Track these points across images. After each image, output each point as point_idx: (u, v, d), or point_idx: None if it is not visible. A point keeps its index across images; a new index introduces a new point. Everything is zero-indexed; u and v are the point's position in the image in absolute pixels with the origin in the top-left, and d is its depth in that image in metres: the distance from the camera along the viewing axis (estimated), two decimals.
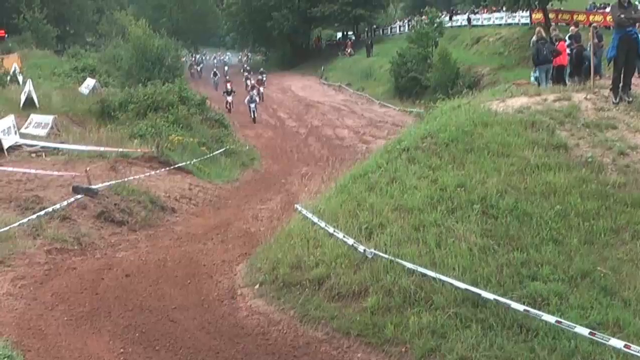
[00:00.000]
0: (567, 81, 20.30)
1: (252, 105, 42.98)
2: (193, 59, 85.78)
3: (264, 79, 58.17)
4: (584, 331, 8.45)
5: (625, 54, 14.78)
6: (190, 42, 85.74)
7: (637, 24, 15.24)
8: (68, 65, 48.57)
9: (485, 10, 54.16)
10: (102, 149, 23.12)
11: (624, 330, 8.79)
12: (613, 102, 14.77)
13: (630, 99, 14.73)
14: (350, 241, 11.92)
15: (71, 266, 14.45)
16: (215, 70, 66.00)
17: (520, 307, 9.24)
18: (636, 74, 16.88)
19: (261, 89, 52.75)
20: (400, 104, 43.35)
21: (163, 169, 23.09)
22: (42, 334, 11.07)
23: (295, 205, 15.76)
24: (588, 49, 19.51)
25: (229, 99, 46.83)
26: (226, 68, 73.93)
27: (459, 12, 62.63)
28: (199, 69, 74.85)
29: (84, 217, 17.14)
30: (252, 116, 42.90)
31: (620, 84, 14.84)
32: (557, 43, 20.88)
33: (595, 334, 8.36)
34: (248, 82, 55.37)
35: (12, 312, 11.83)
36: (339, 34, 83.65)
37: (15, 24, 59.70)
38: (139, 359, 10.33)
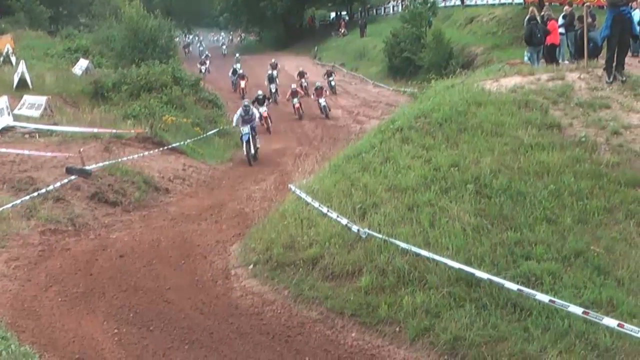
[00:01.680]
0: (563, 60, 20.32)
1: (246, 137, 25.55)
2: (198, 48, 79.62)
3: (333, 79, 42.24)
4: (577, 310, 8.48)
5: (618, 33, 14.78)
6: (184, 23, 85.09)
7: (630, 3, 15.24)
8: (61, 46, 48.09)
9: None
10: (95, 129, 23.03)
11: (618, 309, 8.84)
12: (607, 82, 14.79)
13: (624, 78, 14.75)
14: (344, 221, 11.93)
15: (65, 247, 14.47)
16: (234, 66, 49.29)
17: (513, 286, 9.27)
18: (629, 53, 16.88)
19: (321, 100, 35.44)
20: (393, 84, 43.05)
21: (157, 150, 23.05)
22: (36, 314, 11.10)
23: (289, 186, 15.78)
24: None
25: (263, 110, 31.74)
26: (238, 65, 51.63)
27: None
28: (203, 69, 54.11)
29: (78, 198, 17.14)
30: (248, 155, 25.55)
31: (614, 64, 14.85)
32: (548, 22, 20.88)
33: (588, 313, 8.39)
34: (273, 85, 40.85)
35: (6, 293, 11.86)
36: (333, 14, 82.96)
37: (8, 5, 59.07)
38: (133, 339, 10.35)
